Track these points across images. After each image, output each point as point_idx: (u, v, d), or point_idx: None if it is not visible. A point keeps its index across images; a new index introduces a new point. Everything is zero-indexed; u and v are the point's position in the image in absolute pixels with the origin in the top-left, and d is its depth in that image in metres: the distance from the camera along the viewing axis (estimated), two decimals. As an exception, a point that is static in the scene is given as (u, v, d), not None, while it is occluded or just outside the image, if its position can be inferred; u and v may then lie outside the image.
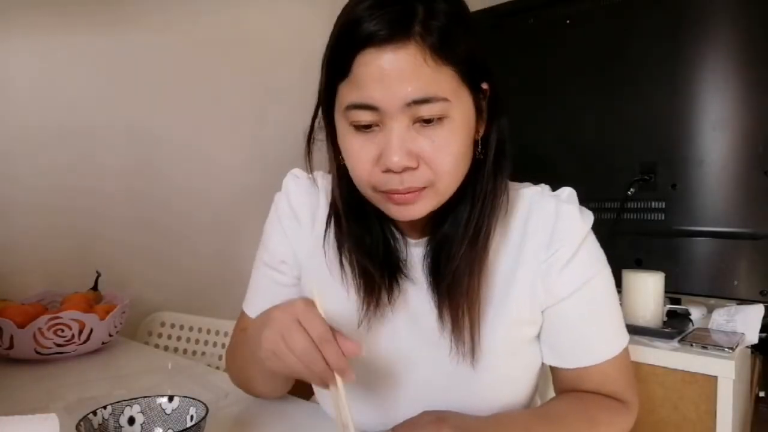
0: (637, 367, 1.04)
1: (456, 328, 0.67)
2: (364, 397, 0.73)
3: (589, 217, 0.72)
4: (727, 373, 0.98)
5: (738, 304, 1.18)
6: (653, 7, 1.28)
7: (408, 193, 0.62)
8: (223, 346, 1.36)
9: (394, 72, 0.57)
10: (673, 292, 1.25)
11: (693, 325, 1.21)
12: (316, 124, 0.68)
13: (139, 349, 1.21)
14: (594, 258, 0.72)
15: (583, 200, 0.74)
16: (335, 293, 0.73)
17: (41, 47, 1.35)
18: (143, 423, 0.64)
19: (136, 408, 0.64)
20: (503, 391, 0.71)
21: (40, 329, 1.01)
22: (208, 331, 1.41)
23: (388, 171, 0.60)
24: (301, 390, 0.86)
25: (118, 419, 0.62)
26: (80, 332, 1.05)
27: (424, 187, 0.62)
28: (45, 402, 0.84)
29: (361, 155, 0.62)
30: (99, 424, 0.60)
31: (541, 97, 1.44)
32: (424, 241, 0.72)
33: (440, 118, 0.60)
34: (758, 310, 1.12)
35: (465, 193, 0.67)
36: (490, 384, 0.70)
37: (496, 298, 0.70)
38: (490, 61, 0.65)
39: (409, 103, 0.58)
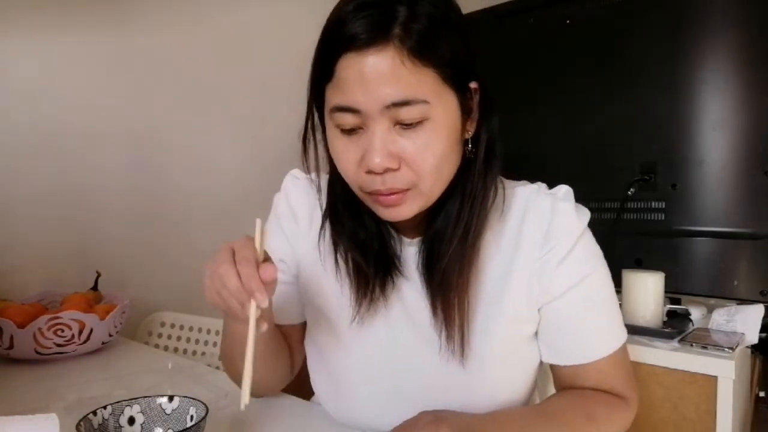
0: (637, 367, 1.04)
1: (447, 326, 0.67)
2: (361, 393, 0.73)
3: (585, 215, 0.72)
4: (727, 373, 0.97)
5: (738, 304, 1.18)
6: (653, 7, 1.27)
7: (391, 194, 0.62)
8: (223, 346, 1.36)
9: (373, 75, 0.58)
10: (673, 292, 1.25)
11: (693, 325, 1.20)
12: (310, 124, 0.69)
13: (139, 349, 1.22)
14: (590, 255, 0.72)
15: (583, 200, 0.74)
16: (330, 289, 0.74)
17: (41, 47, 1.35)
18: (143, 423, 0.64)
19: (136, 408, 0.64)
20: (501, 389, 0.71)
21: (40, 329, 1.01)
22: (208, 331, 1.42)
23: (370, 172, 0.61)
24: (301, 390, 0.86)
25: (118, 419, 0.63)
26: (80, 332, 1.05)
27: (408, 189, 0.63)
28: (45, 402, 0.84)
29: (347, 156, 0.63)
30: (99, 424, 0.60)
31: (541, 97, 1.44)
32: (418, 239, 0.72)
33: (420, 121, 0.60)
34: (758, 310, 1.12)
35: (455, 192, 0.67)
36: (487, 382, 0.70)
37: (492, 296, 0.70)
38: (482, 61, 0.65)
39: (388, 106, 0.59)
